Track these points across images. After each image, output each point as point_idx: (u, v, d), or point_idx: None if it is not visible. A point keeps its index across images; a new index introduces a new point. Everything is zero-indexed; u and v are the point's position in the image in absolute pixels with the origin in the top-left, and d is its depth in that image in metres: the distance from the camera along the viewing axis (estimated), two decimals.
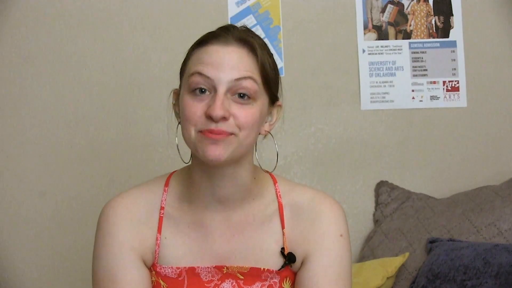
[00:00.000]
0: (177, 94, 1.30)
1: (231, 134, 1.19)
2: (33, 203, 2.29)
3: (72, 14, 2.30)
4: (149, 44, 2.31)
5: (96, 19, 2.31)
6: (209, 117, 1.18)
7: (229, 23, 2.25)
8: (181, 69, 1.29)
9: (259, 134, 1.29)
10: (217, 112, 1.17)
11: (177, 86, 1.30)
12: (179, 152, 1.30)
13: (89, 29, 2.30)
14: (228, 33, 1.25)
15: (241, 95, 1.21)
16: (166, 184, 1.32)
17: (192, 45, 1.28)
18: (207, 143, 1.19)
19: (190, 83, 1.22)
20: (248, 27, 1.30)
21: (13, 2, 2.29)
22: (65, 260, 2.27)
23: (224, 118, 1.18)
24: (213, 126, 1.18)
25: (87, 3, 2.30)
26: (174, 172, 1.36)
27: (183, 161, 1.32)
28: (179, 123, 1.29)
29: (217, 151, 1.18)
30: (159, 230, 1.28)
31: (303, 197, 1.31)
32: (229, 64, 1.21)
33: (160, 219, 1.29)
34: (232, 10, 2.30)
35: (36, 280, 2.28)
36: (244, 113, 1.20)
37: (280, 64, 2.29)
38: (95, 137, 2.29)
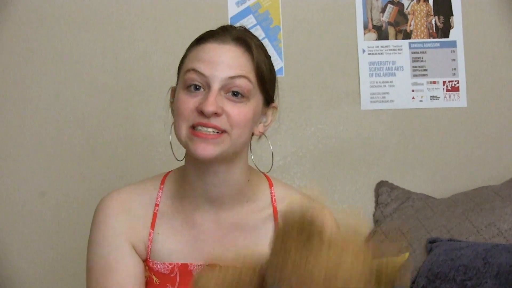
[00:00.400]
0: (174, 91, 1.30)
1: (223, 132, 1.20)
2: (33, 203, 2.29)
3: (72, 14, 2.30)
4: (149, 44, 2.31)
5: (96, 19, 2.31)
6: (201, 112, 1.19)
7: (229, 23, 2.26)
8: (179, 66, 1.30)
9: (253, 134, 1.30)
10: (209, 107, 1.18)
11: None
12: (172, 149, 1.31)
13: (89, 29, 2.30)
14: (225, 32, 1.26)
15: (235, 93, 1.21)
16: (162, 183, 1.33)
17: (191, 43, 1.28)
18: (198, 141, 1.20)
19: (186, 79, 1.23)
20: (246, 27, 1.31)
21: (13, 2, 2.29)
22: (65, 260, 2.27)
23: (216, 114, 1.19)
24: (204, 120, 1.19)
25: (87, 3, 2.30)
26: (170, 171, 1.36)
27: (176, 158, 1.33)
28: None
29: (207, 149, 1.19)
30: (153, 225, 1.29)
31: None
32: (224, 62, 1.22)
33: (154, 215, 1.30)
34: (232, 10, 2.30)
35: (37, 280, 2.28)
36: (237, 111, 1.21)
37: (280, 64, 2.29)
38: (95, 137, 2.29)
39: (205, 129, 1.20)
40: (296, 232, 0.85)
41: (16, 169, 2.30)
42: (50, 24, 2.30)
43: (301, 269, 0.82)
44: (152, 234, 1.29)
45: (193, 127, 1.21)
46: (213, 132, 1.20)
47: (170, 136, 1.33)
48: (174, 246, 1.29)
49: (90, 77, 2.30)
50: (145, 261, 1.29)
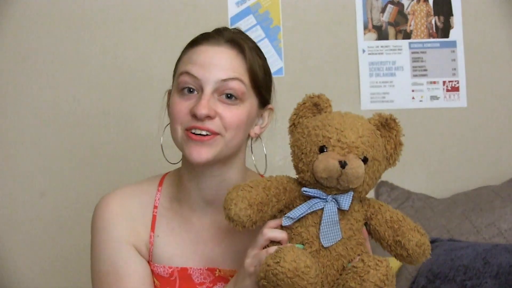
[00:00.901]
0: (170, 94, 1.30)
1: (217, 134, 1.20)
2: (33, 203, 2.29)
3: (72, 14, 2.30)
4: (149, 44, 2.31)
5: (96, 19, 2.31)
6: (194, 116, 1.19)
7: (229, 23, 2.26)
8: (174, 69, 1.30)
9: (249, 136, 1.29)
10: (201, 110, 1.17)
11: None
12: (163, 152, 1.31)
13: (89, 29, 2.30)
14: (219, 34, 1.26)
15: (228, 95, 1.21)
16: (160, 184, 1.32)
17: (185, 46, 1.28)
18: (192, 144, 1.19)
19: (179, 82, 1.23)
20: (241, 29, 1.31)
21: (13, 2, 2.29)
22: (65, 260, 2.27)
23: (209, 117, 1.18)
24: (198, 123, 1.19)
25: (87, 3, 2.30)
26: (168, 172, 1.36)
27: (168, 161, 1.33)
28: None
29: (201, 153, 1.19)
30: (153, 228, 1.28)
31: None
32: (217, 65, 1.21)
33: (153, 218, 1.29)
34: (232, 10, 2.30)
35: (36, 280, 2.28)
36: (230, 114, 1.20)
37: (280, 64, 2.29)
38: (95, 137, 2.29)
39: (199, 131, 1.20)
40: (310, 106, 1.17)
41: (16, 169, 2.30)
42: (50, 24, 2.30)
43: (320, 125, 1.11)
44: (152, 236, 1.28)
45: (188, 129, 1.20)
46: (207, 133, 1.20)
47: (162, 139, 1.33)
48: (173, 249, 1.28)
49: (90, 77, 2.30)
50: (148, 263, 1.29)
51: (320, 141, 1.10)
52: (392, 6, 2.33)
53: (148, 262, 1.28)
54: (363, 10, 2.32)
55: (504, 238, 1.93)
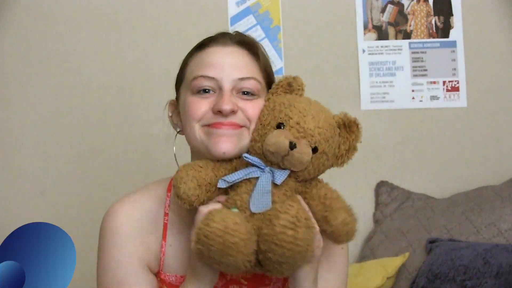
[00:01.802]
0: (173, 105, 1.29)
1: (243, 126, 1.20)
2: (33, 203, 2.29)
3: (72, 14, 2.30)
4: (149, 44, 2.31)
5: (96, 19, 2.31)
6: (218, 112, 1.18)
7: (229, 23, 2.26)
8: (178, 77, 1.28)
9: None
10: (226, 106, 1.17)
11: None
12: (177, 162, 1.29)
13: (89, 29, 2.31)
14: (225, 36, 1.26)
15: (245, 92, 1.21)
16: (169, 189, 1.30)
17: (190, 51, 1.28)
18: (217, 135, 1.18)
19: (194, 86, 1.21)
20: (240, 32, 1.32)
21: (14, 2, 2.29)
22: None
23: (233, 112, 1.18)
24: (222, 119, 1.18)
25: (87, 3, 2.31)
26: None
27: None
28: (178, 132, 1.29)
29: (228, 144, 1.18)
30: (164, 237, 1.26)
31: None
32: (231, 64, 1.22)
33: (165, 226, 1.27)
34: (232, 10, 2.30)
35: None
36: (252, 106, 1.21)
37: (280, 64, 2.29)
38: (95, 137, 2.29)
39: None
40: (285, 85, 1.21)
41: (16, 169, 2.30)
42: (50, 24, 2.30)
43: (286, 104, 1.16)
44: (164, 246, 1.26)
45: (209, 126, 1.20)
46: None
47: (174, 148, 1.32)
48: (186, 257, 1.25)
49: (90, 77, 2.30)
50: (157, 273, 1.27)
51: (281, 118, 1.14)
52: (392, 6, 2.33)
53: (159, 271, 1.26)
54: (363, 10, 2.32)
55: (504, 238, 1.93)
